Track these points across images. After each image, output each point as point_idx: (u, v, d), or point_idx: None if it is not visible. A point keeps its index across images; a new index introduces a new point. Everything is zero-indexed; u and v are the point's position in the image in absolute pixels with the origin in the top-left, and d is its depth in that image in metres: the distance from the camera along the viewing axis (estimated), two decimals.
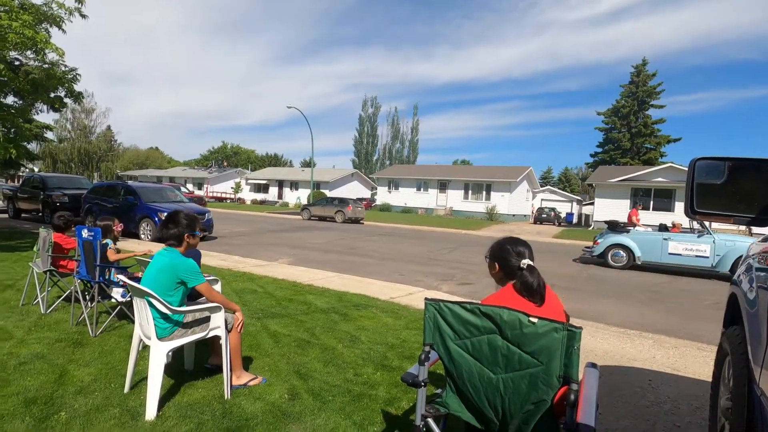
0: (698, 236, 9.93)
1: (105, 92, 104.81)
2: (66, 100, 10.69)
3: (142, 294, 2.58)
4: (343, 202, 24.25)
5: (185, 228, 2.82)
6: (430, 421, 1.70)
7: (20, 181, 18.22)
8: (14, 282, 5.62)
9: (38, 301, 4.53)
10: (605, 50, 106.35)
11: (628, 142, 42.80)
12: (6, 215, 16.02)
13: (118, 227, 4.67)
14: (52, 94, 10.38)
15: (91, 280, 4.03)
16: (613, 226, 11.21)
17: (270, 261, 8.81)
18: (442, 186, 35.80)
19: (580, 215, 38.27)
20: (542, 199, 43.53)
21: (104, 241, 4.15)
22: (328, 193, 37.60)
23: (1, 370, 2.99)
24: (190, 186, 45.69)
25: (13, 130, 9.35)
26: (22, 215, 15.69)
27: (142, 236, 11.28)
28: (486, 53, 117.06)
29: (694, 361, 4.03)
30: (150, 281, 2.68)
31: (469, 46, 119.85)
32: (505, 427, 1.64)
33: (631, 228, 11.14)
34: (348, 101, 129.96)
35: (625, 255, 10.64)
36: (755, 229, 16.29)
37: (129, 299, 3.79)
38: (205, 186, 47.60)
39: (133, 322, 3.11)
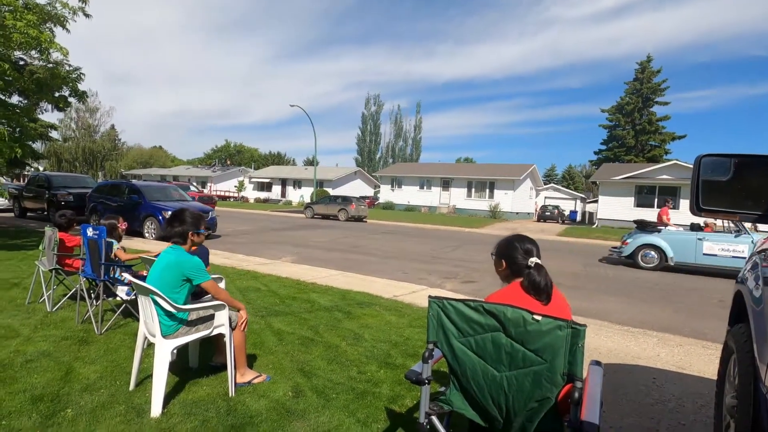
0: (735, 236, 9.55)
1: (107, 92, 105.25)
2: (70, 99, 10.75)
3: (147, 292, 2.60)
4: (346, 200, 24.26)
5: (190, 226, 2.84)
6: (434, 418, 1.70)
7: (26, 180, 18.33)
8: (20, 280, 5.66)
9: (44, 300, 4.56)
10: (609, 47, 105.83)
11: (632, 140, 42.57)
12: (12, 214, 16.14)
13: (122, 225, 4.69)
14: (57, 94, 10.44)
15: (97, 279, 4.05)
16: (643, 226, 10.72)
17: (273, 259, 8.84)
18: (445, 184, 35.74)
19: (583, 213, 38.11)
20: (546, 197, 43.41)
21: (109, 240, 4.18)
22: (331, 192, 37.63)
23: (8, 367, 3.02)
24: (194, 185, 45.85)
25: (18, 130, 9.41)
26: (28, 214, 15.80)
27: (147, 235, 11.33)
28: (489, 50, 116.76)
29: (699, 359, 4.01)
30: (155, 279, 2.69)
31: (471, 43, 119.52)
32: (509, 425, 1.64)
33: (663, 228, 10.59)
34: (351, 99, 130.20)
35: (656, 256, 10.19)
36: (761, 227, 16.19)
37: (134, 297, 3.81)
38: (208, 184, 47.75)
39: (137, 320, 3.13)
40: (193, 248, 2.91)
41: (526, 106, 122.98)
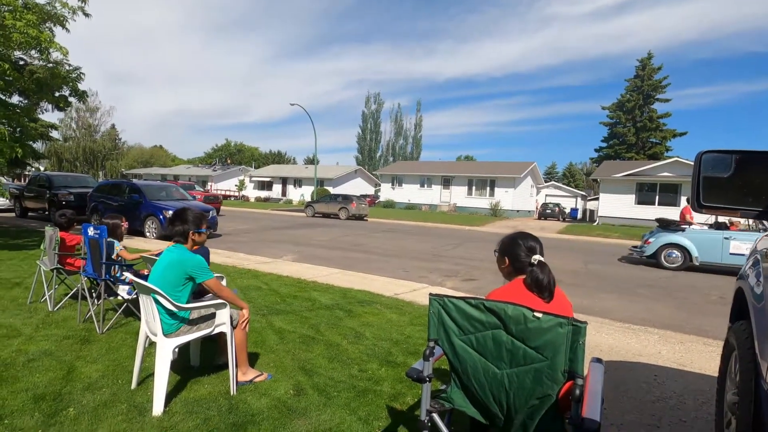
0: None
1: (108, 91, 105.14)
2: (70, 99, 10.75)
3: (148, 291, 2.60)
4: (346, 198, 24.27)
5: (191, 225, 2.84)
6: (435, 416, 1.70)
7: (26, 180, 18.35)
8: (22, 280, 5.67)
9: (46, 299, 4.57)
10: (610, 44, 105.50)
11: (633, 137, 42.50)
12: (13, 214, 16.17)
13: (124, 224, 4.70)
14: (57, 93, 10.45)
15: (98, 278, 4.06)
16: (666, 224, 10.43)
17: (274, 258, 8.85)
18: (446, 182, 35.73)
19: (584, 211, 38.07)
20: (546, 195, 43.33)
21: (109, 240, 4.18)
22: (332, 190, 37.63)
23: (10, 366, 3.03)
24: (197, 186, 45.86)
25: (18, 130, 9.41)
26: (29, 214, 15.81)
27: (147, 234, 11.34)
28: (489, 48, 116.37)
29: (700, 356, 4.01)
30: (158, 278, 2.70)
31: (472, 41, 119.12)
32: (510, 422, 1.64)
33: (686, 226, 10.27)
34: (351, 98, 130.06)
35: (680, 255, 9.90)
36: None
37: (135, 296, 3.82)
38: (209, 184, 47.75)
39: (139, 319, 3.13)
40: (195, 248, 2.91)
41: (527, 104, 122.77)
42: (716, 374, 2.23)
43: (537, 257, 1.85)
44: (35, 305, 4.57)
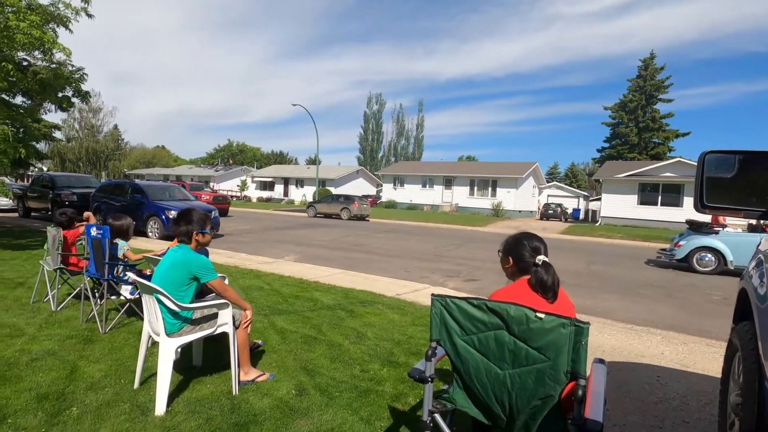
0: None
1: (110, 92, 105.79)
2: (73, 99, 10.78)
3: (151, 291, 2.60)
4: (348, 199, 24.28)
5: (195, 225, 2.85)
6: (437, 416, 1.70)
7: (30, 181, 18.41)
8: (25, 280, 5.69)
9: (49, 299, 4.59)
10: (612, 44, 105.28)
11: (635, 137, 42.37)
12: (16, 214, 16.23)
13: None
14: (60, 94, 10.47)
15: (101, 278, 4.07)
16: (697, 227, 10.13)
17: (276, 258, 8.86)
18: (448, 182, 35.70)
19: (586, 211, 38.02)
20: (548, 195, 43.26)
21: (115, 241, 4.18)
22: (334, 191, 37.66)
23: (13, 366, 3.04)
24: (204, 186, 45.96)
25: (22, 130, 9.45)
26: (32, 214, 15.88)
27: (150, 234, 11.38)
28: (491, 48, 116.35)
29: (703, 357, 4.00)
30: (161, 278, 2.70)
31: (473, 41, 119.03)
32: (512, 423, 1.64)
33: (720, 229, 9.97)
34: (353, 98, 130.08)
35: (714, 259, 9.61)
36: None
37: (138, 296, 3.82)
38: (211, 184, 47.84)
39: (142, 318, 3.14)
40: (197, 248, 2.92)
41: (529, 104, 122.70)
42: (719, 375, 2.22)
43: (541, 258, 1.85)
44: (38, 305, 4.59)
